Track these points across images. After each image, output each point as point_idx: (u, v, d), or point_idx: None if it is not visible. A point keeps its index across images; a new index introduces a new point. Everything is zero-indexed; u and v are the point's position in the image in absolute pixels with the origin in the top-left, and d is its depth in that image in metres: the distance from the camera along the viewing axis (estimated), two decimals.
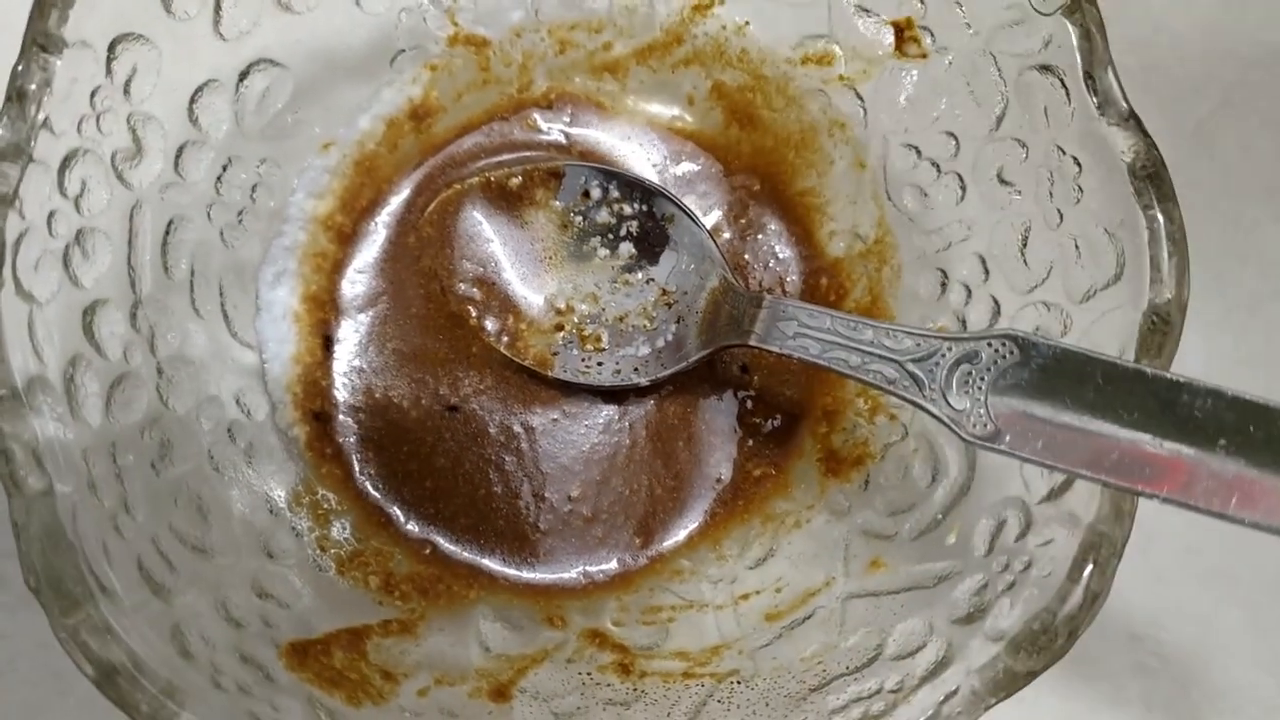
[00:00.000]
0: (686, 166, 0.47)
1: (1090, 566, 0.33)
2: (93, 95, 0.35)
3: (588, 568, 0.44)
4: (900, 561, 0.40)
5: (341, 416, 0.44)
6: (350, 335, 0.45)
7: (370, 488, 0.44)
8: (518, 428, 0.45)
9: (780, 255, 0.46)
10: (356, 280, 0.45)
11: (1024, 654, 0.33)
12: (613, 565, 0.44)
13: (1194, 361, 0.48)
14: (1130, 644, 0.46)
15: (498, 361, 0.45)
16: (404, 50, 0.44)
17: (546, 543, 0.44)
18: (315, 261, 0.44)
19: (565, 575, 0.44)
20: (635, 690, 0.39)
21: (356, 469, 0.44)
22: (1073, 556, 0.34)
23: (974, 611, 0.36)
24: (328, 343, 0.44)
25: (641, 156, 0.47)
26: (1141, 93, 0.38)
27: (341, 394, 0.44)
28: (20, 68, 0.33)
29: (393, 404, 0.44)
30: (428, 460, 0.44)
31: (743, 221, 0.47)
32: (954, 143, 0.41)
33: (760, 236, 0.46)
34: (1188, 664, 0.46)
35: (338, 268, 0.45)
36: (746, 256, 0.46)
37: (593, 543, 0.44)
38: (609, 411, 0.45)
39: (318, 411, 0.43)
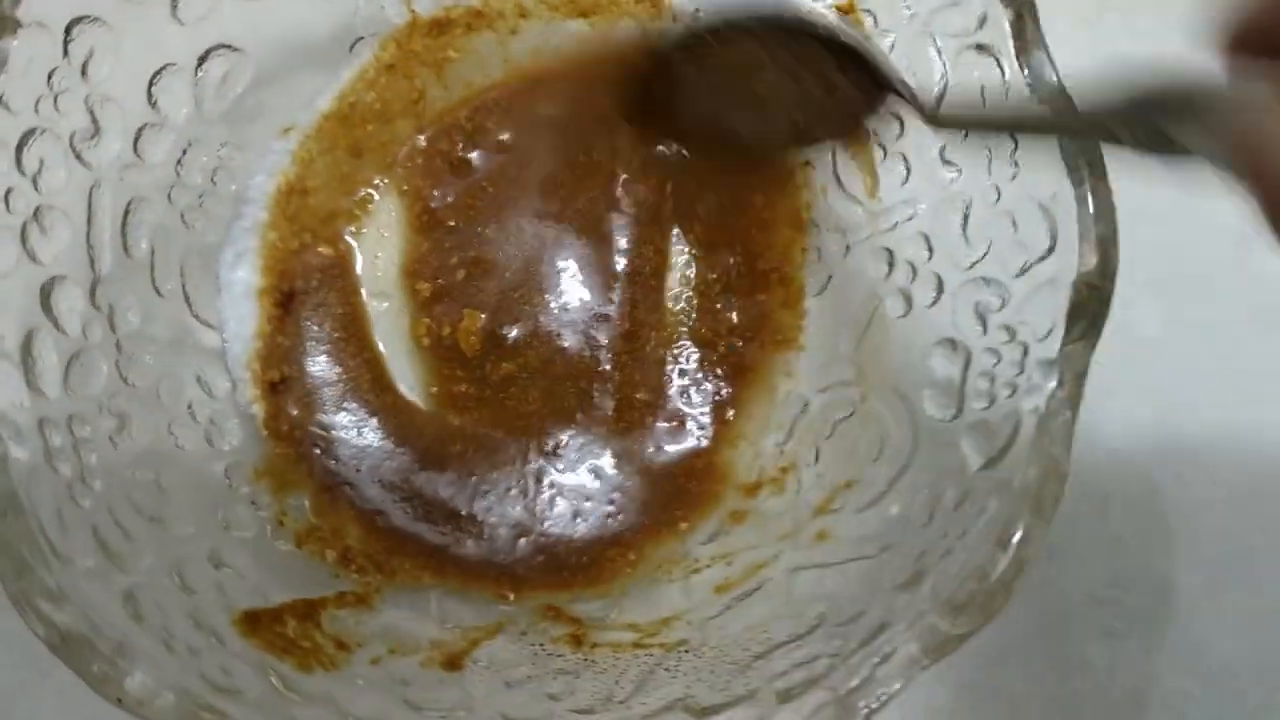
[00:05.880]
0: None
1: (1019, 531, 0.34)
2: (50, 75, 0.36)
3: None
4: (845, 533, 0.40)
5: (298, 380, 0.45)
6: (309, 300, 0.46)
7: (327, 464, 0.44)
8: None
9: None
10: (320, 254, 0.46)
11: (956, 617, 0.34)
12: None
13: (1152, 327, 0.49)
14: (1094, 608, 0.47)
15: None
16: (362, 37, 0.45)
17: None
18: (276, 239, 0.45)
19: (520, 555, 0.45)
20: (586, 660, 0.40)
21: (313, 443, 0.44)
22: (1003, 522, 0.35)
23: (912, 578, 0.36)
24: (288, 300, 0.45)
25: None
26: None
27: (300, 356, 0.45)
28: None
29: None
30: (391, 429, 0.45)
31: None
32: (898, 124, 0.42)
33: None
34: (1150, 627, 0.47)
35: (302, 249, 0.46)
36: None
37: None
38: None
39: (275, 382, 0.44)
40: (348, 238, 0.46)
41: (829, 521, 0.41)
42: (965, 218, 0.40)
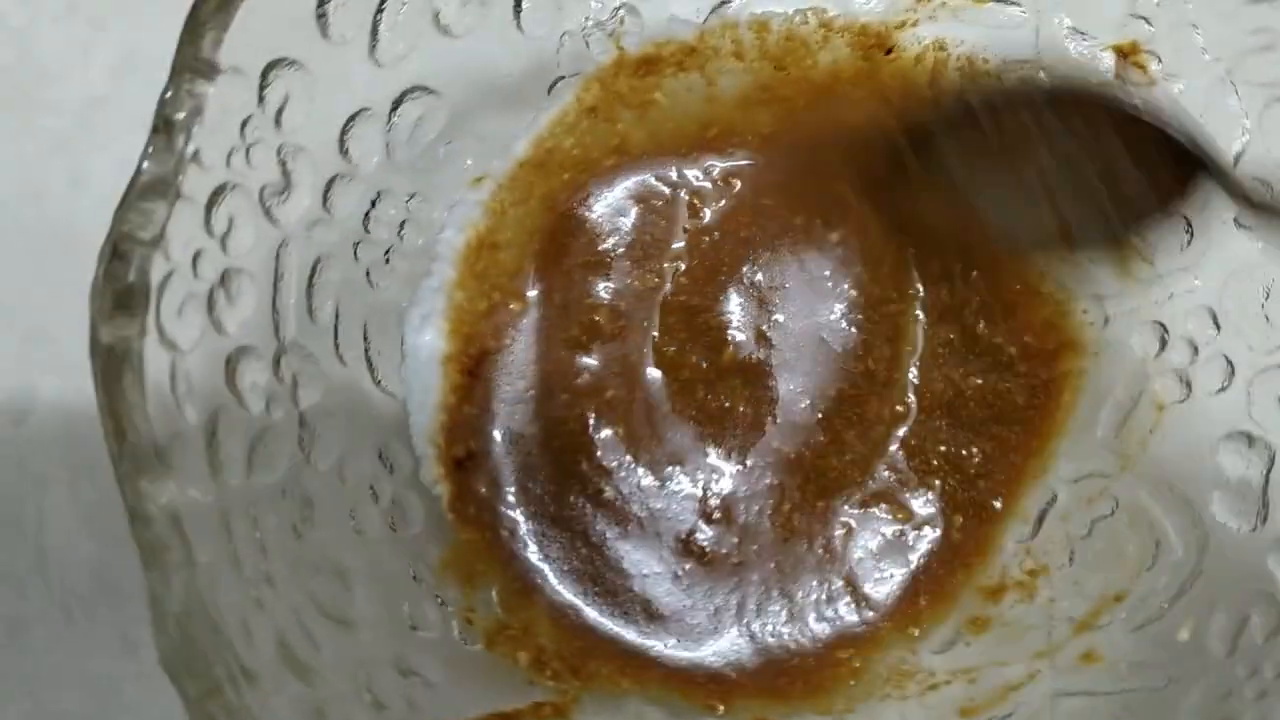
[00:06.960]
0: None
1: None
2: (243, 125, 0.32)
3: None
4: (1120, 656, 0.35)
5: (486, 455, 0.41)
6: (501, 363, 0.41)
7: (517, 549, 0.40)
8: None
9: None
10: (510, 311, 0.42)
11: None
12: None
13: None
14: None
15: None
16: (563, 77, 0.40)
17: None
18: (463, 300, 0.41)
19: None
20: None
21: (502, 527, 0.40)
22: None
23: None
24: (476, 366, 0.41)
25: None
26: None
27: (488, 428, 0.41)
28: (169, 95, 0.30)
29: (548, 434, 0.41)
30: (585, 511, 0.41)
31: None
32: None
33: None
34: None
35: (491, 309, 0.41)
36: None
37: None
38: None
39: (460, 458, 0.40)
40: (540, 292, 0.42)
41: (1095, 640, 0.36)
42: (1268, 293, 0.34)
